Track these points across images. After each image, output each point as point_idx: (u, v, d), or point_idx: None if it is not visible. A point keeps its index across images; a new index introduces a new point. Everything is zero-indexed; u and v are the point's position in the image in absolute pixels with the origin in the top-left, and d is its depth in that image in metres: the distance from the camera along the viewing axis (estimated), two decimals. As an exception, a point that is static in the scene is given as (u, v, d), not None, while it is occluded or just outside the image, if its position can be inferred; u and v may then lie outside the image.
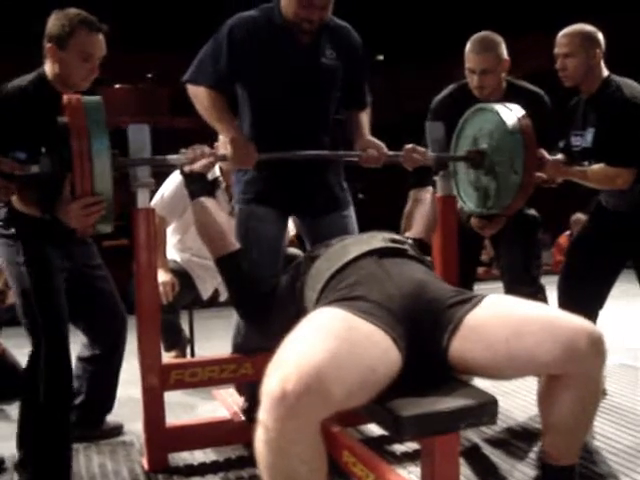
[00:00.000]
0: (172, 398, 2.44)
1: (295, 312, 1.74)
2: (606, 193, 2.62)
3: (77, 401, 2.43)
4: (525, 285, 2.71)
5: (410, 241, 1.93)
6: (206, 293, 3.27)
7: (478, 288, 2.78)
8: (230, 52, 2.18)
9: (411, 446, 2.28)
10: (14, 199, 2.05)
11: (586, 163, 2.55)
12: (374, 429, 2.45)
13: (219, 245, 2.01)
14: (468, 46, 2.64)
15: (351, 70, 2.33)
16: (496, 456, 2.29)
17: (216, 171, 3.03)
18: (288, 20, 2.18)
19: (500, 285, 2.87)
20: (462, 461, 2.11)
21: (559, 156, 2.60)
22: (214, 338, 3.51)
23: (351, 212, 2.43)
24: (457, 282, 2.31)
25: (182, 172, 2.12)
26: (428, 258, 1.94)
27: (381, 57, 11.98)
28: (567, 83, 2.54)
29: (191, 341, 3.44)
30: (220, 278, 2.13)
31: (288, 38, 2.21)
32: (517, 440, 2.41)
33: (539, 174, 2.48)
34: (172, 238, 3.25)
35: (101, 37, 2.12)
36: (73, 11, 2.09)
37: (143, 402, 2.18)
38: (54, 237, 2.13)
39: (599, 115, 2.48)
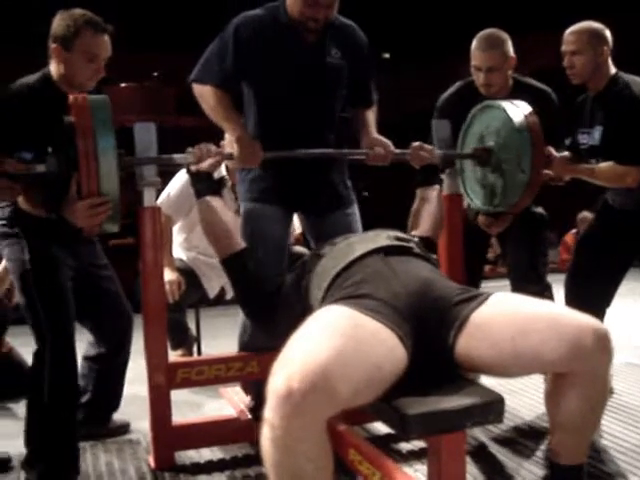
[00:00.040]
0: (179, 396, 2.44)
1: (301, 310, 1.74)
2: (613, 191, 2.61)
3: (83, 399, 2.44)
4: (532, 283, 2.71)
5: (416, 239, 1.93)
6: (212, 291, 3.28)
7: (484, 286, 2.77)
8: (236, 51, 2.18)
9: (417, 444, 2.28)
10: (20, 199, 2.06)
11: (593, 161, 2.54)
12: (380, 427, 2.45)
13: (225, 244, 2.01)
14: (474, 43, 2.63)
15: (357, 69, 2.33)
16: (503, 455, 2.28)
17: (222, 170, 3.03)
18: (294, 19, 2.18)
19: (507, 283, 2.86)
20: (468, 460, 2.11)
21: (565, 153, 2.60)
22: (220, 336, 3.51)
23: (355, 210, 2.43)
24: (463, 280, 2.31)
25: (189, 171, 2.12)
26: (434, 256, 1.94)
27: (387, 55, 11.96)
28: (575, 80, 2.53)
29: (197, 339, 3.44)
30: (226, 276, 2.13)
31: (294, 37, 2.20)
32: (524, 439, 2.41)
33: (546, 171, 2.47)
34: (178, 237, 3.25)
35: (106, 38, 2.12)
36: (78, 12, 2.09)
37: (150, 400, 2.19)
38: (60, 236, 2.14)
39: (607, 113, 2.47)
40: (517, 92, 2.61)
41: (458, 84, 2.81)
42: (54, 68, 2.12)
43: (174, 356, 3.09)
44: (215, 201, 2.07)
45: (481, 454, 2.29)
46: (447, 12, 9.84)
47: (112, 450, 2.41)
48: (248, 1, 2.54)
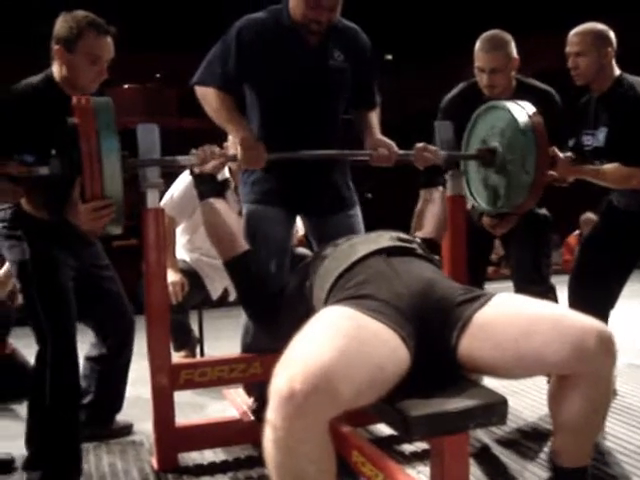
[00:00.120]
0: (182, 398, 2.44)
1: (304, 312, 1.74)
2: (618, 193, 2.61)
3: (86, 400, 2.44)
4: (535, 284, 2.71)
5: (418, 240, 1.93)
6: (215, 293, 3.28)
7: (488, 287, 2.76)
8: (238, 53, 2.18)
9: (420, 446, 2.28)
10: (22, 201, 2.06)
11: (597, 162, 2.54)
12: (383, 429, 2.44)
13: (228, 246, 2.01)
14: (477, 45, 2.63)
15: (359, 71, 2.33)
16: (506, 456, 2.28)
17: (225, 172, 3.04)
18: (296, 21, 2.18)
19: (510, 284, 2.86)
20: (472, 461, 2.10)
21: (569, 154, 2.59)
22: (223, 338, 3.51)
23: (357, 212, 2.43)
24: (467, 281, 2.30)
25: (192, 173, 2.12)
26: (436, 257, 1.94)
27: (390, 57, 11.97)
28: (579, 82, 2.52)
29: (200, 341, 3.45)
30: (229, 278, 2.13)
31: (296, 39, 2.21)
32: (527, 440, 2.40)
33: (551, 172, 2.47)
34: (181, 238, 3.26)
35: (109, 39, 2.11)
36: (81, 13, 2.09)
37: (153, 402, 2.19)
38: (61, 238, 2.14)
39: (612, 114, 2.46)
40: (520, 93, 2.61)
41: (461, 85, 2.80)
42: (56, 70, 2.12)
43: (177, 357, 3.09)
44: (218, 203, 2.07)
45: (484, 456, 2.29)
46: (448, 13, 9.85)
47: (115, 451, 2.41)
48: (251, 3, 2.54)
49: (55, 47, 2.10)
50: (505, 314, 1.55)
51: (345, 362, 1.32)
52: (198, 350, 3.40)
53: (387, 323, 1.49)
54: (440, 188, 2.30)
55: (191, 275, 3.14)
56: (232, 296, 3.25)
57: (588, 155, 2.56)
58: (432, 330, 1.57)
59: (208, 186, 2.08)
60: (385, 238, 1.82)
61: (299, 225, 3.08)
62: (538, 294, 1.83)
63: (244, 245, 2.03)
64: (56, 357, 2.10)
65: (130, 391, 2.59)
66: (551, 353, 1.42)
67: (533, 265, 2.77)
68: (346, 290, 1.65)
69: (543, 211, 2.80)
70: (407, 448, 2.32)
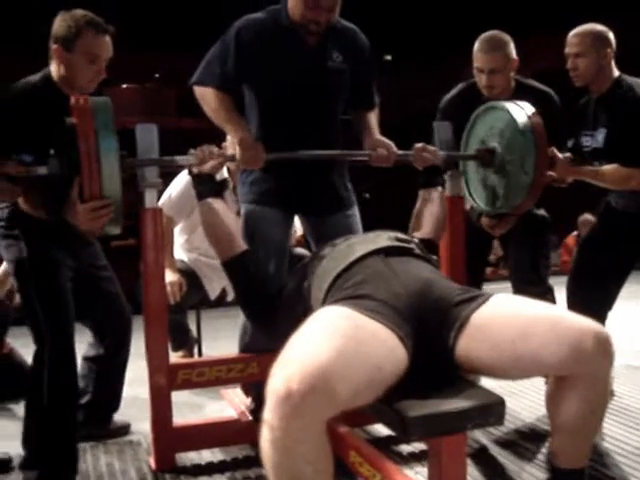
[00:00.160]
0: (179, 398, 2.44)
1: (302, 312, 1.74)
2: (616, 194, 2.61)
3: (83, 400, 2.44)
4: (533, 285, 2.71)
5: (416, 240, 1.93)
6: (213, 293, 3.27)
7: (486, 288, 2.77)
8: (237, 53, 2.18)
9: (418, 446, 2.28)
10: (20, 200, 2.06)
11: (596, 163, 2.54)
12: (381, 429, 2.44)
13: (227, 246, 2.01)
14: (476, 45, 2.63)
15: (358, 72, 2.33)
16: (503, 457, 2.28)
17: (224, 172, 3.04)
18: (295, 22, 2.18)
19: (508, 285, 2.86)
20: (469, 462, 2.10)
21: (568, 155, 2.59)
22: (221, 338, 3.51)
23: (355, 212, 2.43)
24: (465, 281, 2.30)
25: (191, 173, 2.12)
26: (434, 257, 1.94)
27: (389, 57, 11.97)
28: (578, 83, 2.52)
29: (198, 341, 3.44)
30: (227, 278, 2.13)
31: (295, 40, 2.20)
32: (525, 441, 2.40)
33: (550, 173, 2.47)
34: (179, 238, 3.25)
35: (108, 39, 2.11)
36: (79, 12, 2.08)
37: (150, 402, 2.18)
38: (59, 237, 2.13)
39: (611, 115, 2.46)
40: (519, 94, 2.61)
41: (460, 86, 2.80)
42: (55, 69, 2.11)
43: (175, 357, 3.09)
44: (217, 203, 2.07)
45: (482, 456, 2.29)
46: (448, 13, 9.86)
47: (113, 451, 2.41)
48: (249, 2, 2.54)
49: (53, 46, 2.09)
50: (503, 315, 1.55)
51: (343, 362, 1.32)
52: (196, 350, 3.39)
53: (385, 323, 1.49)
54: (439, 188, 2.30)
55: (189, 275, 3.14)
56: (230, 296, 3.25)
57: (587, 156, 2.56)
58: (430, 330, 1.57)
59: (206, 186, 2.08)
60: (383, 238, 1.82)
61: (297, 225, 3.08)
62: (536, 295, 1.82)
63: (242, 245, 2.03)
64: (54, 357, 2.09)
65: (128, 391, 2.58)
66: (549, 354, 1.42)
67: (531, 266, 2.77)
68: (344, 290, 1.65)
69: (541, 212, 2.80)
70: (405, 448, 2.32)
